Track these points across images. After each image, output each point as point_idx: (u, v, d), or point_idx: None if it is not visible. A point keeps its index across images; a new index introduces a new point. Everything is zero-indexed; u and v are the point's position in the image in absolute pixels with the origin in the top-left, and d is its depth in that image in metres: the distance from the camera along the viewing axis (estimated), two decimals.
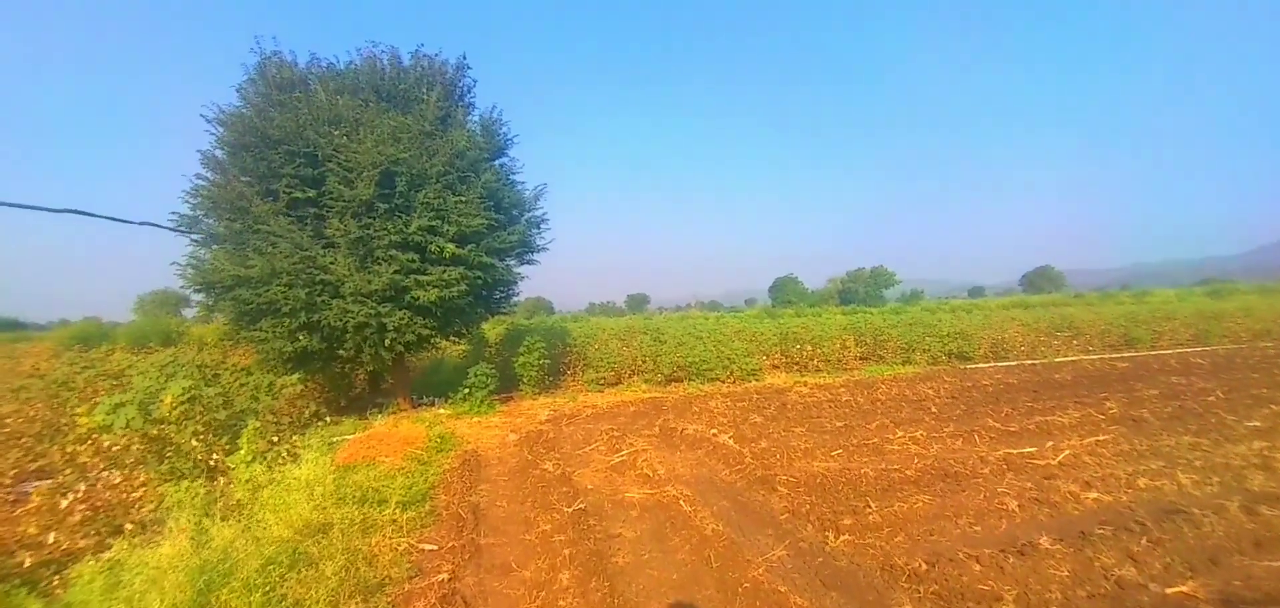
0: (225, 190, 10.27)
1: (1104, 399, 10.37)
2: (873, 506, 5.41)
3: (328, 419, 12.29)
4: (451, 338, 13.46)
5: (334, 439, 9.65)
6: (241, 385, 10.14)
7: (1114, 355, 17.98)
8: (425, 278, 10.36)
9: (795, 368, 16.29)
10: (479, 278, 11.00)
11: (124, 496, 5.74)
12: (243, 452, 5.55)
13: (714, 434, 8.41)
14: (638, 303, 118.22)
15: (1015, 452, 6.96)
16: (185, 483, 5.40)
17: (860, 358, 17.19)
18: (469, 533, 5.06)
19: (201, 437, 6.87)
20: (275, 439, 7.43)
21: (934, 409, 10.09)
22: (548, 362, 13.93)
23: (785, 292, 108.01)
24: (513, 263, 12.47)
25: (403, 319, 10.31)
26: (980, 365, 16.76)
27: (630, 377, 15.24)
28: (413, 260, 10.35)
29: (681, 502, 5.71)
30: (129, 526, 5.01)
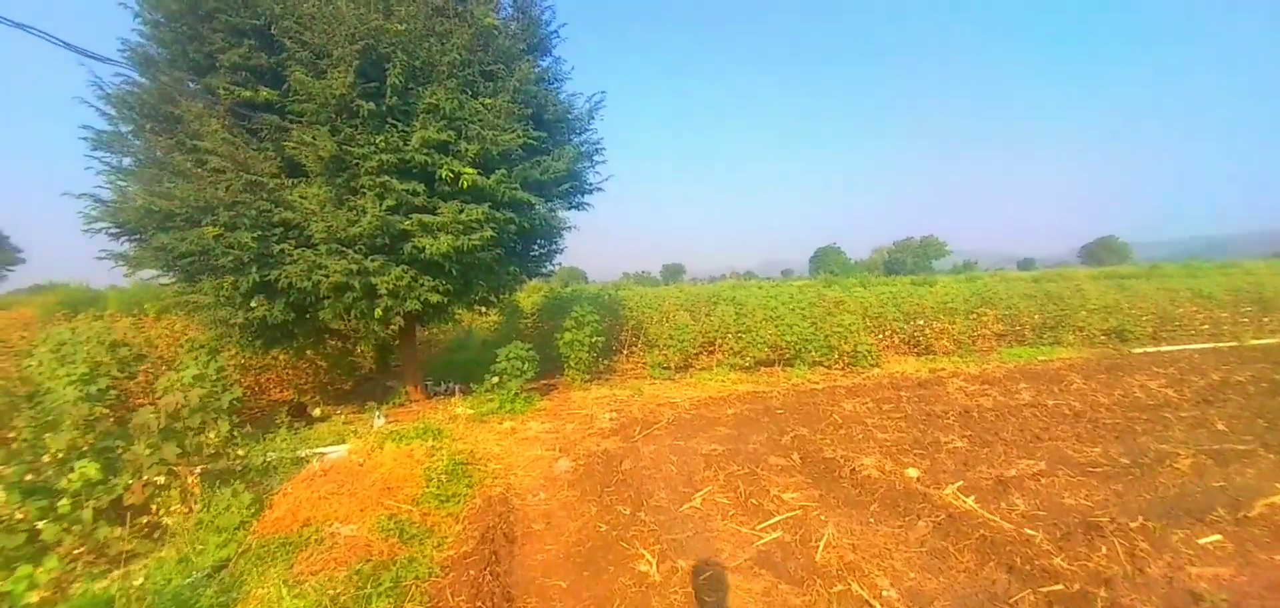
0: (148, 91, 7.03)
1: None
2: None
3: (318, 411, 9.27)
4: (476, 307, 10.17)
5: (300, 454, 6.49)
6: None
7: None
8: (433, 218, 7.00)
9: (917, 351, 12.56)
10: (511, 222, 7.59)
11: None
12: None
13: (916, 480, 4.86)
14: (673, 273, 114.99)
15: None
16: None
17: (998, 338, 13.32)
18: None
19: (21, 478, 3.69)
20: (162, 481, 4.19)
21: (1222, 426, 6.36)
22: (600, 340, 10.54)
23: (827, 262, 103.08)
24: (558, 205, 9.01)
25: (401, 279, 6.99)
26: (1159, 349, 12.76)
27: (701, 357, 11.79)
28: (415, 192, 6.98)
29: None
30: None
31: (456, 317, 10.94)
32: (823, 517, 4.23)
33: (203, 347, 8.99)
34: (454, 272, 7.40)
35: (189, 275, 7.37)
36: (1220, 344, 13.18)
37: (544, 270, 10.14)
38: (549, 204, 8.48)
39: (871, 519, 4.18)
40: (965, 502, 4.33)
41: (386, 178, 6.80)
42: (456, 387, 9.95)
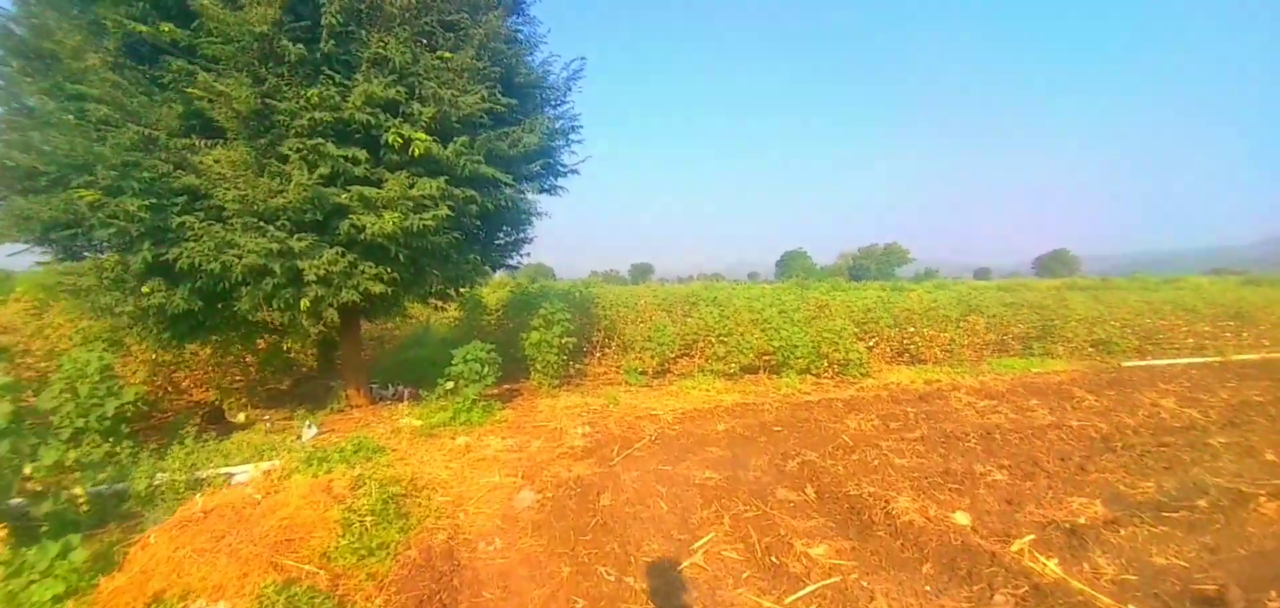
0: (16, 18, 5.66)
1: None
2: None
3: (242, 416, 7.98)
4: (431, 301, 8.95)
5: (201, 473, 5.28)
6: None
7: None
8: (377, 192, 5.82)
9: (905, 359, 11.84)
10: (472, 201, 6.46)
11: None
12: None
13: (969, 529, 3.95)
14: (642, 272, 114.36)
15: None
16: None
17: (988, 348, 12.73)
18: None
19: None
20: None
21: (1271, 456, 5.68)
22: (571, 341, 9.43)
23: (793, 266, 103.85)
24: (528, 187, 7.88)
25: (334, 263, 5.78)
26: (1148, 363, 12.34)
27: (679, 362, 10.83)
28: (355, 159, 5.79)
29: None
30: None
31: (407, 311, 9.70)
32: (866, 584, 3.27)
33: (100, 338, 7.63)
34: (401, 257, 6.22)
35: (70, 252, 6.03)
36: (1208, 358, 12.87)
37: (511, 262, 9.00)
38: (518, 184, 7.36)
39: (929, 589, 3.23)
40: (1045, 564, 3.43)
41: (319, 140, 5.59)
42: (406, 391, 8.72)
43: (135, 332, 6.88)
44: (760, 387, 9.32)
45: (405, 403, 8.37)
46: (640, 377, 9.82)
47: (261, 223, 5.50)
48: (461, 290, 9.27)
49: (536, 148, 7.24)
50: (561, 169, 8.49)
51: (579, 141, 8.44)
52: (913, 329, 11.96)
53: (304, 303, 5.84)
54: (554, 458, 5.70)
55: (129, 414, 7.78)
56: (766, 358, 10.34)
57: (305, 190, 5.46)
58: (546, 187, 8.44)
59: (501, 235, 8.50)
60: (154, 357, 8.42)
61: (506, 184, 6.84)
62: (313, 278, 5.72)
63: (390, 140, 5.80)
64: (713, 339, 10.26)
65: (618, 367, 10.85)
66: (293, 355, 10.96)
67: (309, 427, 7.02)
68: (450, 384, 7.57)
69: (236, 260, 5.44)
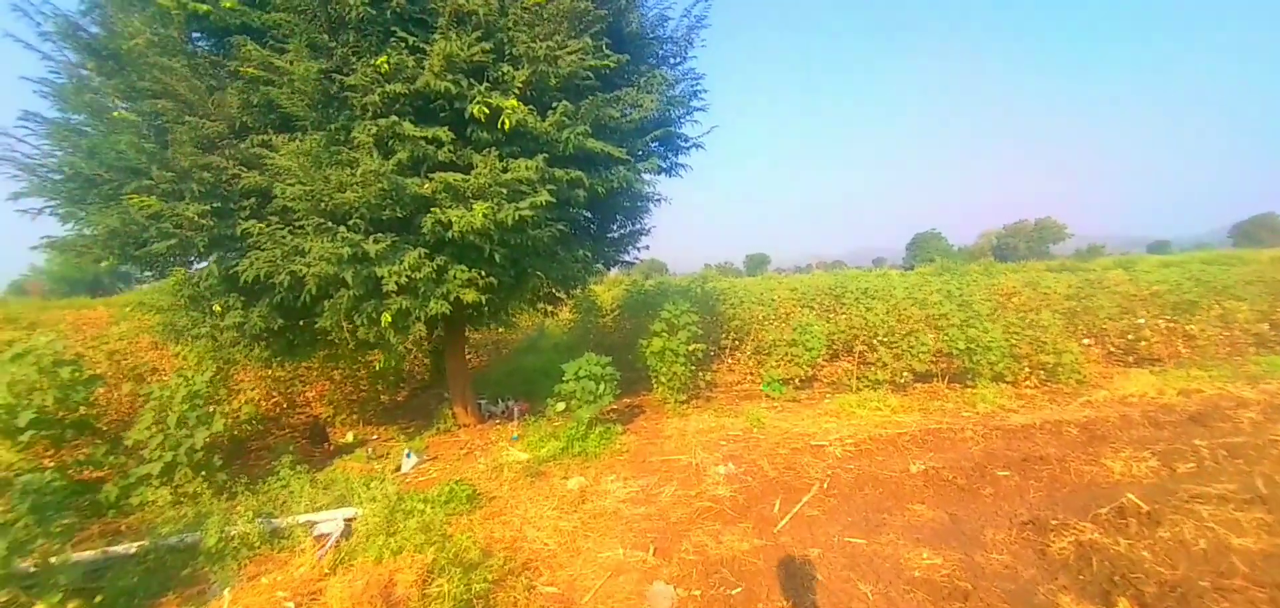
0: (91, 16, 5.17)
1: None
2: None
3: (349, 435, 7.44)
4: (540, 306, 7.87)
5: (279, 521, 4.45)
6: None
7: None
8: (463, 179, 4.68)
9: (1129, 359, 9.06)
10: (578, 184, 5.17)
11: None
12: None
13: None
14: (757, 263, 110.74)
15: None
16: None
17: (1249, 342, 9.52)
18: None
19: None
20: None
21: None
22: (700, 348, 7.90)
23: (927, 249, 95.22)
24: (643, 166, 6.47)
25: (417, 268, 4.72)
26: None
27: (825, 367, 9.00)
28: (436, 140, 4.69)
29: None
30: None
31: (510, 320, 8.71)
32: None
33: (211, 358, 7.27)
34: (497, 257, 5.06)
35: (157, 269, 5.51)
36: None
37: (627, 256, 7.68)
38: (633, 161, 5.96)
39: None
40: None
41: (394, 119, 4.54)
42: (515, 407, 7.67)
43: (238, 351, 6.39)
44: (945, 402, 7.26)
45: (515, 421, 7.33)
46: (783, 388, 8.11)
47: (331, 223, 4.55)
48: (572, 292, 8.13)
49: (654, 115, 5.81)
50: (682, 143, 7.02)
51: (702, 110, 6.94)
52: (1142, 320, 9.12)
53: (386, 317, 4.84)
54: (693, 516, 4.23)
55: (245, 435, 7.47)
56: (944, 363, 8.22)
57: (380, 180, 4.43)
58: (666, 166, 7.02)
59: (615, 227, 7.20)
60: (269, 373, 8.12)
61: (620, 161, 5.48)
62: (393, 287, 4.70)
63: (475, 112, 4.63)
64: (876, 341, 8.28)
65: (751, 374, 9.25)
66: (405, 367, 10.48)
67: (408, 456, 6.14)
68: (562, 405, 6.39)
69: (305, 269, 4.53)
